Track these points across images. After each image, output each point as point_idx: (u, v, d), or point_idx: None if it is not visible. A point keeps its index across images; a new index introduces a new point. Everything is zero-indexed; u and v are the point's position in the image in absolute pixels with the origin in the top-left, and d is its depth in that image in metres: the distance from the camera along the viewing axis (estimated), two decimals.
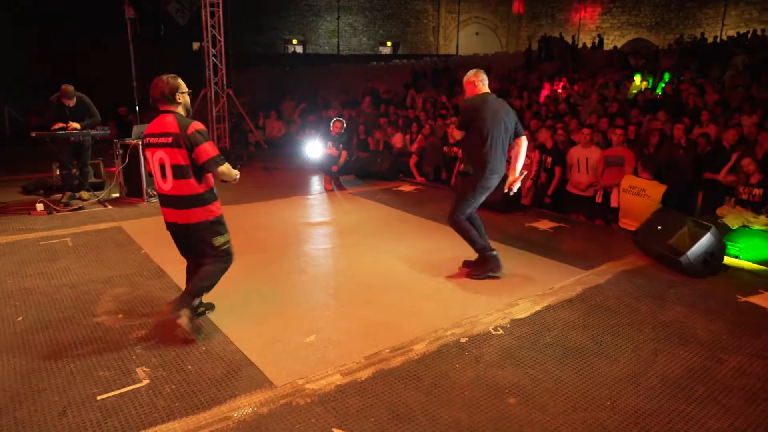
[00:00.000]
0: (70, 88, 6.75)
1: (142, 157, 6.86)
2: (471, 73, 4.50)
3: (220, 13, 9.72)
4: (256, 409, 2.74)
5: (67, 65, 15.53)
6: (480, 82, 4.46)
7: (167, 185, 3.36)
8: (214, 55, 9.92)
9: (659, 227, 4.98)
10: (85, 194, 7.15)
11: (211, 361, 3.20)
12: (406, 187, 8.29)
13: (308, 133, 10.56)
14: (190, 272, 3.64)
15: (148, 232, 5.74)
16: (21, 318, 3.73)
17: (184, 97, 3.42)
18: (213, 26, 9.73)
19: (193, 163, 3.31)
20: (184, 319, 3.33)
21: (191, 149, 3.28)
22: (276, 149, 11.93)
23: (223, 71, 10.00)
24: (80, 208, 6.69)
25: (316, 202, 7.45)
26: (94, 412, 2.71)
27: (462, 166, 4.52)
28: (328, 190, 7.95)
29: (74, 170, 6.93)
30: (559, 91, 12.14)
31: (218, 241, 3.48)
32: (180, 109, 3.41)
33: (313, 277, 4.59)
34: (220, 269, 3.52)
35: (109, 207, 6.84)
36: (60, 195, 7.04)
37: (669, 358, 3.30)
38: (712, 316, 3.88)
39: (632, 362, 3.24)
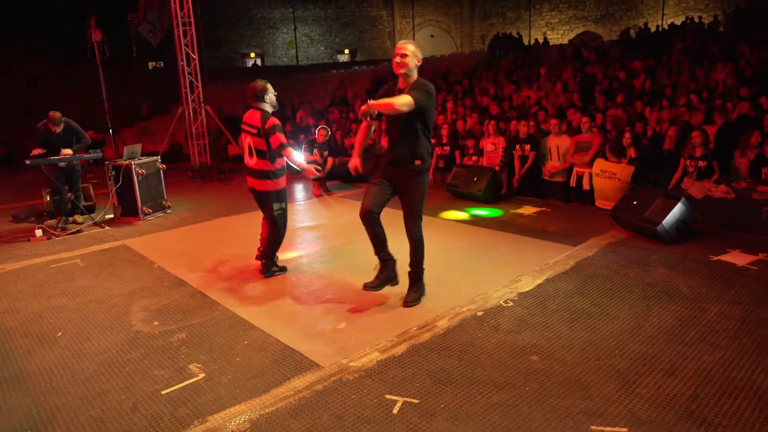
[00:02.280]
0: (57, 114, 6.81)
1: (135, 177, 7.02)
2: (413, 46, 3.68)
3: (193, 31, 9.90)
4: (311, 386, 3.05)
5: (29, 92, 15.32)
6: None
7: (252, 161, 4.55)
8: (189, 73, 10.06)
9: (635, 202, 5.49)
10: (79, 217, 7.21)
11: (256, 352, 3.48)
12: None
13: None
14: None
15: (155, 248, 5.92)
16: (60, 333, 3.92)
17: (270, 97, 4.51)
18: (186, 45, 9.88)
19: (269, 148, 4.44)
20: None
21: (267, 138, 4.40)
22: None
23: (200, 89, 10.15)
24: (78, 231, 6.77)
25: (309, 207, 7.74)
26: (164, 404, 2.96)
27: (409, 159, 3.83)
28: (317, 196, 8.24)
29: (69, 194, 6.99)
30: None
31: (275, 207, 4.65)
32: (266, 107, 4.50)
33: (327, 274, 4.89)
34: (275, 232, 4.73)
35: (107, 228, 6.94)
36: (54, 221, 7.10)
37: (660, 311, 3.76)
38: (691, 275, 4.38)
39: (630, 318, 3.68)
